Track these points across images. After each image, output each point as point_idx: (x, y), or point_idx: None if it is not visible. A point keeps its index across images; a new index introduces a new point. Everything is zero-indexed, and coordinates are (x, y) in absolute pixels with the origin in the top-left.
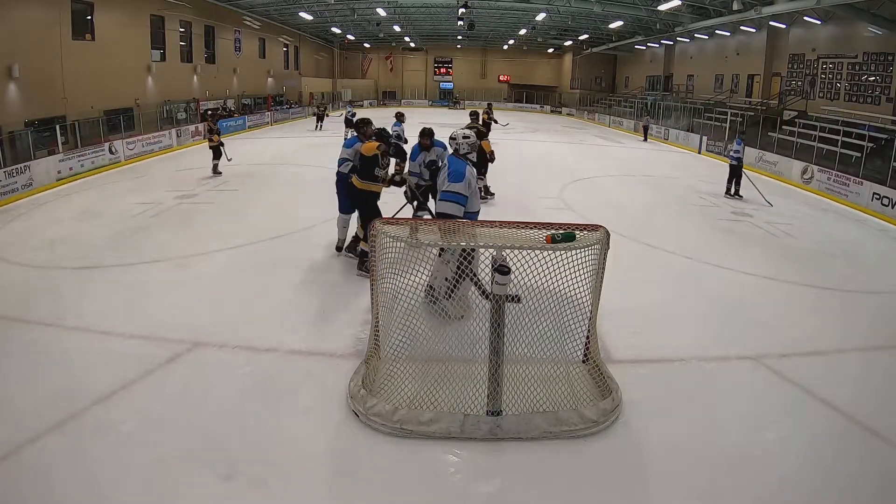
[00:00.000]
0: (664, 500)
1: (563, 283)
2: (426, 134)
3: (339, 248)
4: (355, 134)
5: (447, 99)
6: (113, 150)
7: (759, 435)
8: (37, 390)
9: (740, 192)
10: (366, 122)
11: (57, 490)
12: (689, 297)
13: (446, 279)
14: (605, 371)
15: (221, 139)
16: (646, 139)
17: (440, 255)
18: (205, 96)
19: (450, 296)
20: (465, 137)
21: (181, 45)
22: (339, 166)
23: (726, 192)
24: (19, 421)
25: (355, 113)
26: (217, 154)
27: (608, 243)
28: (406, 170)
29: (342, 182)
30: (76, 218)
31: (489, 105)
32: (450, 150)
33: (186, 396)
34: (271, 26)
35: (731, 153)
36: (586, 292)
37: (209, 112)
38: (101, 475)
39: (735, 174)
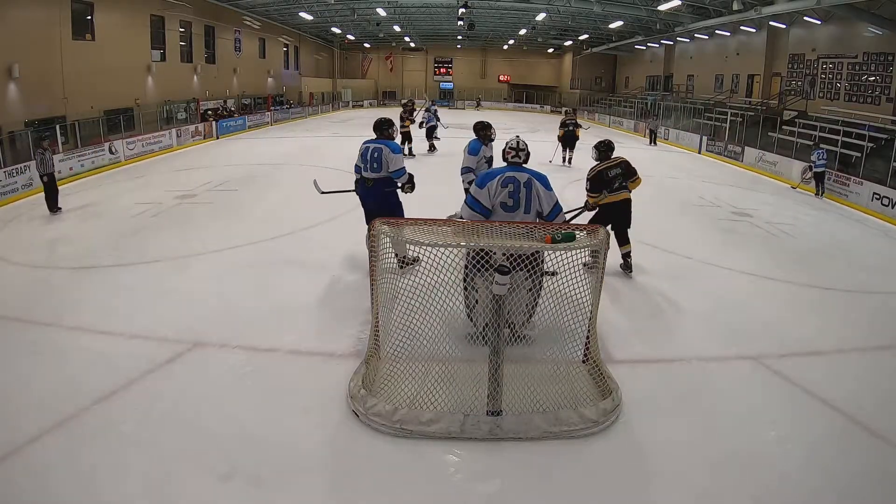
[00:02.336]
0: (664, 500)
1: (563, 283)
2: (489, 126)
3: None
4: (477, 139)
5: (447, 99)
6: (113, 150)
7: (759, 435)
8: (37, 390)
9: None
10: (389, 123)
11: (56, 490)
12: (689, 296)
13: (527, 307)
14: (605, 371)
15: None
16: (654, 143)
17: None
18: (205, 96)
19: (529, 319)
20: (518, 149)
21: (181, 45)
22: (462, 174)
23: (817, 194)
24: (19, 421)
25: (436, 109)
26: (409, 138)
27: (608, 243)
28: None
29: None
30: (76, 218)
31: (572, 110)
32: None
33: (186, 396)
34: (271, 26)
35: (820, 161)
36: (586, 292)
37: (405, 101)
38: (101, 475)
39: (821, 179)
